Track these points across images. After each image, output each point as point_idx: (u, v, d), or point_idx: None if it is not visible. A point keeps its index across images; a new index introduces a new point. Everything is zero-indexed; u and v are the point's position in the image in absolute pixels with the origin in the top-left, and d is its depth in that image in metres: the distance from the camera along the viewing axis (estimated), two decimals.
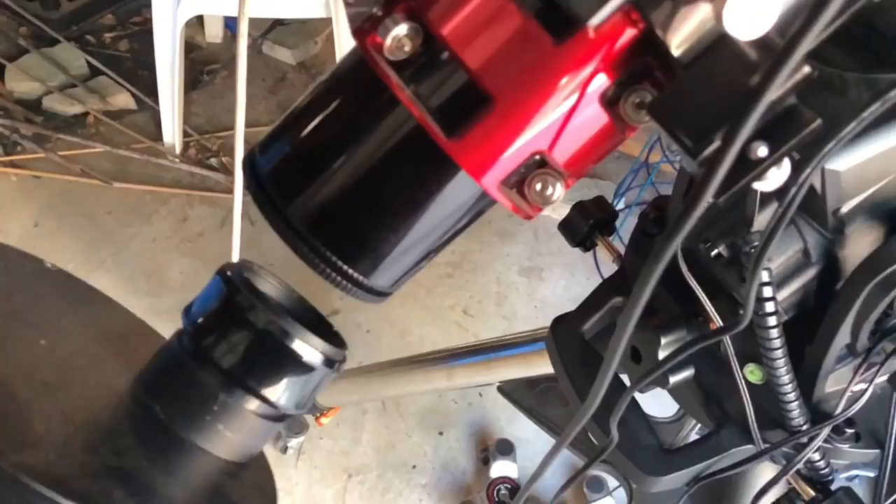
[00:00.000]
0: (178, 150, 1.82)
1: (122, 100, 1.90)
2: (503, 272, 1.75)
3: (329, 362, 0.41)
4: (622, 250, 0.72)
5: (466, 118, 0.32)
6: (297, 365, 0.40)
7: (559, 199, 0.32)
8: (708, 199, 0.24)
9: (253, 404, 0.41)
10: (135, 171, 1.78)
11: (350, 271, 0.36)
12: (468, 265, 1.75)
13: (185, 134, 1.84)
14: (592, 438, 0.63)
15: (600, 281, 1.81)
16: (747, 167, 0.26)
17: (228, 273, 0.41)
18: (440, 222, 0.36)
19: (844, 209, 0.47)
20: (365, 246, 0.36)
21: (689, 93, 0.27)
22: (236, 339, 0.40)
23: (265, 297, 0.42)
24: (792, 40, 0.21)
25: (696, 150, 0.26)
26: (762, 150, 0.26)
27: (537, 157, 0.32)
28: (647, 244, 0.67)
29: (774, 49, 0.25)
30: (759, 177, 0.27)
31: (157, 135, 1.83)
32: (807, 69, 0.25)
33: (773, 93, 0.22)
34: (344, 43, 1.65)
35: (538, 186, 0.32)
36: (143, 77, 1.93)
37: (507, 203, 0.34)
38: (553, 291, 1.74)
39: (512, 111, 0.31)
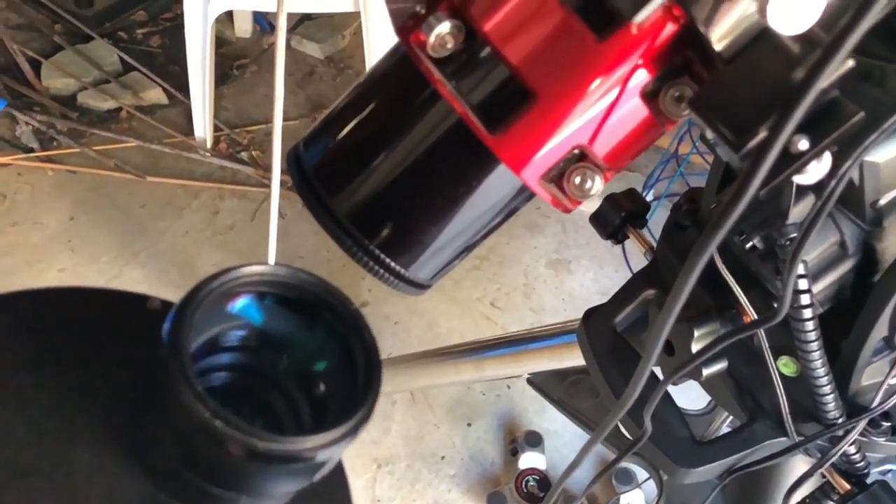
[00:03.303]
0: (208, 145, 1.84)
1: (154, 95, 1.92)
2: (531, 265, 1.75)
3: (325, 447, 0.31)
4: (653, 242, 0.72)
5: (508, 113, 0.32)
6: (291, 464, 0.31)
7: (598, 193, 0.32)
8: (752, 192, 0.25)
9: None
10: (167, 165, 1.81)
11: (392, 263, 0.37)
12: (496, 258, 1.75)
13: (216, 128, 1.86)
14: (624, 431, 0.63)
15: (628, 273, 1.81)
16: (788, 161, 0.27)
17: (166, 337, 0.31)
18: (480, 216, 0.37)
19: (883, 201, 0.47)
20: (406, 239, 0.37)
21: (731, 87, 0.27)
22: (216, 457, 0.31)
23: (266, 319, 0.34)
24: (841, 33, 0.21)
25: (739, 144, 0.26)
26: (803, 144, 0.26)
27: (577, 151, 0.33)
28: (679, 236, 0.67)
29: (817, 43, 0.25)
30: (799, 170, 0.27)
31: (188, 129, 1.85)
32: (851, 62, 0.25)
33: (821, 86, 0.22)
34: (372, 37, 1.65)
35: (577, 180, 0.33)
36: (174, 72, 1.96)
37: (547, 196, 0.34)
38: (581, 284, 1.74)
39: (553, 106, 0.32)
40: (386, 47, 0.37)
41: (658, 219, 0.73)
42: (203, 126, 1.81)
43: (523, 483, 1.36)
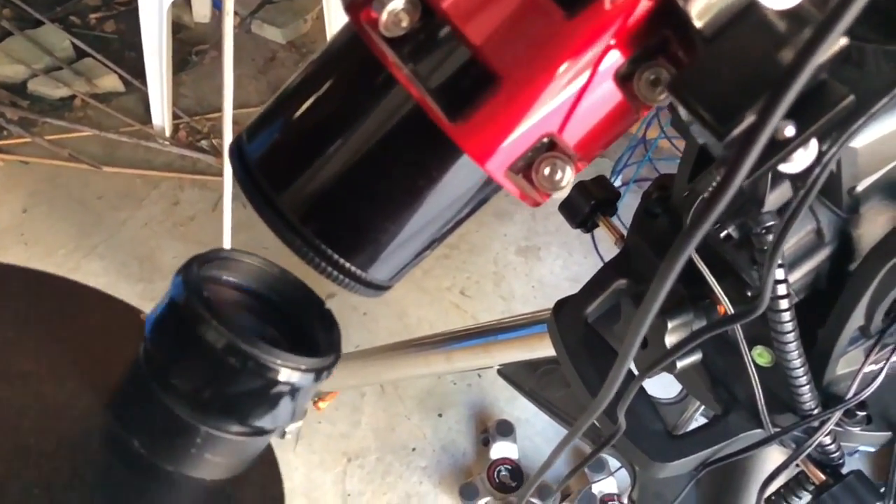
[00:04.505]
0: (167, 133, 1.79)
1: (110, 82, 1.86)
2: (500, 252, 1.74)
3: (311, 374, 0.38)
4: (623, 231, 0.70)
5: (470, 99, 0.29)
6: (272, 386, 0.37)
7: (569, 184, 0.30)
8: (738, 184, 0.23)
9: (237, 429, 0.39)
10: (124, 155, 1.75)
11: (347, 264, 0.34)
12: (465, 246, 1.73)
13: (175, 116, 1.81)
14: (599, 426, 0.62)
15: (598, 259, 1.80)
16: (774, 148, 0.24)
17: (186, 281, 0.37)
18: (442, 211, 0.34)
19: (860, 187, 0.46)
20: (362, 237, 0.34)
21: (714, 68, 0.25)
22: (200, 367, 0.37)
23: (229, 305, 0.39)
24: (839, 6, 0.19)
25: (723, 131, 0.24)
26: (790, 130, 0.24)
27: (546, 139, 0.30)
28: (650, 224, 0.65)
29: (806, 19, 0.23)
30: (785, 158, 0.25)
31: (145, 117, 1.79)
32: (844, 40, 0.23)
33: (814, 66, 0.20)
34: (334, 21, 1.62)
35: (546, 171, 0.30)
36: (130, 58, 1.90)
37: (514, 189, 0.32)
38: (550, 271, 1.73)
39: (519, 91, 0.29)
40: None
41: (627, 204, 0.72)
42: (161, 114, 1.76)
43: (495, 473, 1.35)
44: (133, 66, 1.85)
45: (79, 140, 1.75)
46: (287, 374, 0.36)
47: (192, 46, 2.02)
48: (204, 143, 1.80)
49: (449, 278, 1.66)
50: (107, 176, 1.70)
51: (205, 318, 0.35)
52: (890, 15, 0.36)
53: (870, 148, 0.43)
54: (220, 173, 1.75)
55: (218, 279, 0.40)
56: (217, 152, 1.77)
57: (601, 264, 0.68)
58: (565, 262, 1.74)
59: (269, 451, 0.45)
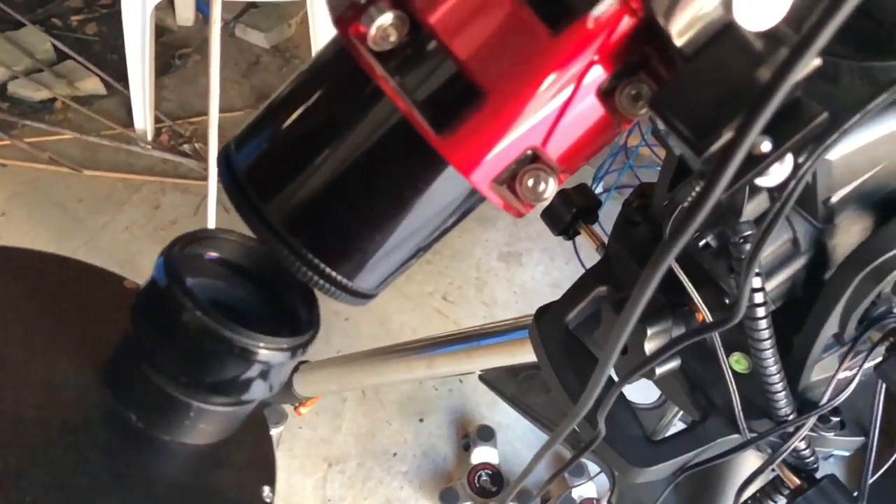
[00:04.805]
0: (149, 137, 1.78)
1: (91, 85, 1.85)
2: (483, 258, 1.75)
3: (288, 351, 0.40)
4: (604, 238, 0.71)
5: (456, 112, 0.30)
6: (256, 364, 0.39)
7: (552, 196, 0.31)
8: (717, 197, 0.23)
9: (228, 402, 0.41)
10: (105, 159, 1.74)
11: (333, 274, 0.35)
12: (447, 251, 1.74)
13: (157, 120, 1.80)
14: (579, 431, 0.62)
15: (579, 265, 1.80)
16: (751, 163, 0.25)
17: (167, 263, 0.39)
18: (428, 221, 0.35)
19: (835, 198, 0.47)
20: (349, 247, 0.35)
21: (692, 85, 0.26)
22: (185, 349, 0.38)
23: (216, 288, 0.41)
24: (813, 29, 0.20)
25: (701, 147, 0.25)
26: (766, 145, 0.25)
27: (530, 152, 0.31)
28: (631, 232, 0.66)
29: (782, 40, 0.24)
30: (761, 173, 0.26)
31: (127, 121, 1.78)
32: (818, 60, 0.24)
33: (790, 84, 0.21)
34: (319, 26, 1.62)
35: (530, 183, 0.31)
36: (112, 61, 1.89)
37: (498, 201, 0.32)
38: (532, 276, 1.74)
39: (504, 105, 0.30)
40: (333, 37, 0.34)
41: (608, 211, 0.73)
42: (143, 117, 1.75)
43: (476, 478, 1.35)
44: (115, 69, 1.84)
45: (59, 143, 1.74)
46: (268, 354, 0.38)
47: (175, 50, 2.01)
48: (186, 146, 1.80)
49: (431, 284, 1.67)
50: (87, 179, 1.69)
51: (185, 304, 0.37)
52: (863, 32, 0.38)
53: (844, 160, 0.44)
54: (202, 177, 1.75)
55: (201, 257, 0.41)
56: (199, 156, 1.77)
57: (582, 270, 0.69)
58: (547, 268, 1.75)
59: (257, 411, 0.47)
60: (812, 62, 0.23)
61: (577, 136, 0.31)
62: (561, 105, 0.30)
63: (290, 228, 0.34)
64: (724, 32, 0.26)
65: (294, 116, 0.35)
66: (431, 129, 0.30)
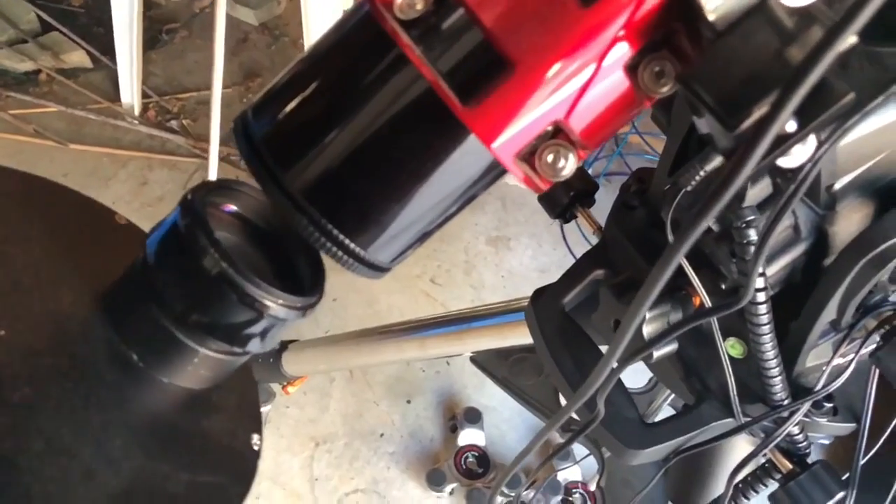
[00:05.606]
0: (136, 112, 1.75)
1: (77, 57, 1.82)
2: (471, 241, 1.75)
3: (300, 310, 0.40)
4: (600, 222, 0.71)
5: (482, 83, 0.30)
6: (266, 318, 0.39)
7: (571, 173, 0.30)
8: (747, 175, 0.23)
9: (229, 350, 0.41)
10: (91, 133, 1.72)
11: (350, 244, 0.34)
12: (437, 234, 1.73)
13: (144, 95, 1.78)
14: (575, 415, 0.63)
15: (567, 251, 1.80)
16: (774, 142, 0.25)
17: (188, 206, 0.39)
18: (447, 194, 0.34)
19: (838, 185, 0.47)
20: (367, 218, 0.34)
21: (723, 62, 0.26)
22: (200, 294, 0.38)
23: (230, 239, 0.41)
24: (852, 9, 0.19)
25: (733, 124, 0.25)
26: (791, 125, 0.25)
27: (551, 127, 0.30)
28: (628, 216, 0.66)
29: (816, 17, 0.24)
30: (784, 153, 0.26)
31: (114, 95, 1.76)
32: (855, 38, 0.24)
33: (828, 63, 0.21)
34: (309, 4, 1.60)
35: (549, 158, 0.30)
36: (98, 34, 1.86)
37: (520, 174, 0.32)
38: (520, 261, 1.74)
39: (532, 77, 0.29)
40: (324, 15, 0.34)
41: (598, 197, 0.73)
42: (130, 92, 1.72)
43: (462, 460, 1.36)
44: (101, 43, 1.81)
45: (44, 116, 1.71)
46: (281, 310, 0.39)
47: (162, 25, 1.99)
48: (173, 123, 1.78)
49: (420, 266, 1.67)
50: (73, 153, 1.67)
51: (207, 248, 0.37)
52: (876, 15, 0.37)
53: (849, 147, 0.44)
54: (189, 154, 1.73)
55: (218, 206, 0.41)
56: (187, 132, 1.75)
57: (569, 255, 0.69)
58: (534, 253, 1.76)
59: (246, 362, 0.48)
60: (850, 40, 0.23)
61: (602, 110, 0.31)
62: (587, 79, 0.30)
63: (308, 197, 0.34)
64: (757, 8, 0.26)
65: (315, 85, 0.34)
66: (457, 100, 0.30)
